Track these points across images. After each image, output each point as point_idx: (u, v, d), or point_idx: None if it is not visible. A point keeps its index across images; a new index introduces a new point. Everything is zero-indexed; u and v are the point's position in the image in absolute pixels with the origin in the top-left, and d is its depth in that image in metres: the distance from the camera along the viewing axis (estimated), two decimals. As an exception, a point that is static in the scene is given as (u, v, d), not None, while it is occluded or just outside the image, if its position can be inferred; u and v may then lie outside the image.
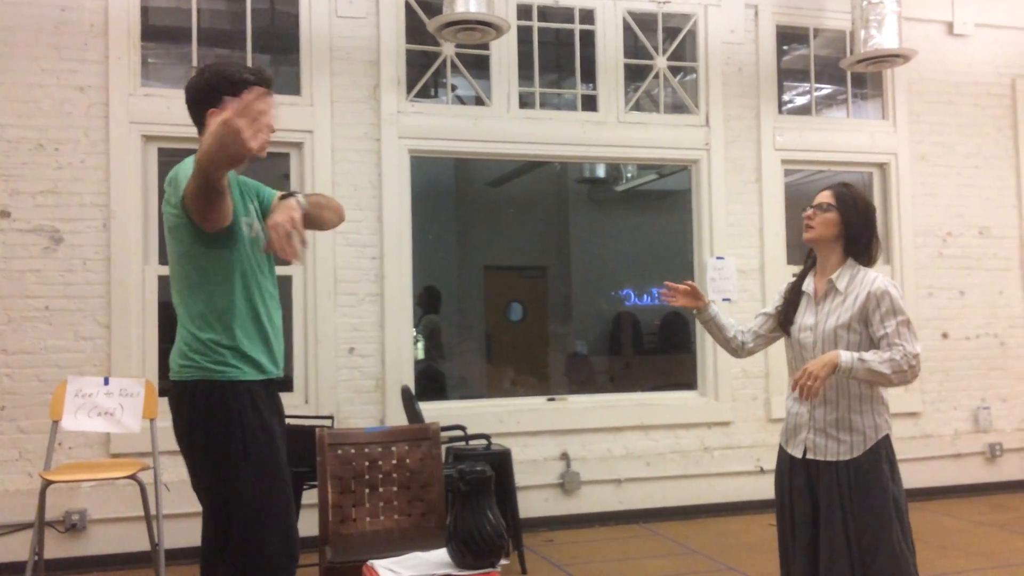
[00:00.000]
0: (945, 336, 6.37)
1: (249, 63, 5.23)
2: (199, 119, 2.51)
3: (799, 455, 2.87)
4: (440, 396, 6.30)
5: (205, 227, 2.35)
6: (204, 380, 2.42)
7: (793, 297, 2.98)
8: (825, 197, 2.88)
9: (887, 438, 2.82)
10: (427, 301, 6.89)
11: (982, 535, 5.30)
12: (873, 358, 2.67)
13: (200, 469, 2.48)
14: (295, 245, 2.38)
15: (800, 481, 2.86)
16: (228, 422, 2.40)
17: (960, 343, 6.41)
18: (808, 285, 2.94)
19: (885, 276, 2.84)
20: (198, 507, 5.15)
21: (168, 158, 5.13)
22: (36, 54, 4.86)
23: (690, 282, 3.14)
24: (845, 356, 2.66)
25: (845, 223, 2.83)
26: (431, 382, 6.70)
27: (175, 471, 4.86)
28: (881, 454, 2.79)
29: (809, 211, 2.89)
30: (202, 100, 2.49)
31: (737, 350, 3.14)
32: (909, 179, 6.34)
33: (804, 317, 2.90)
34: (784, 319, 2.97)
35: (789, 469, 2.91)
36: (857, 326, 2.77)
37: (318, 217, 2.70)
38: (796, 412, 2.90)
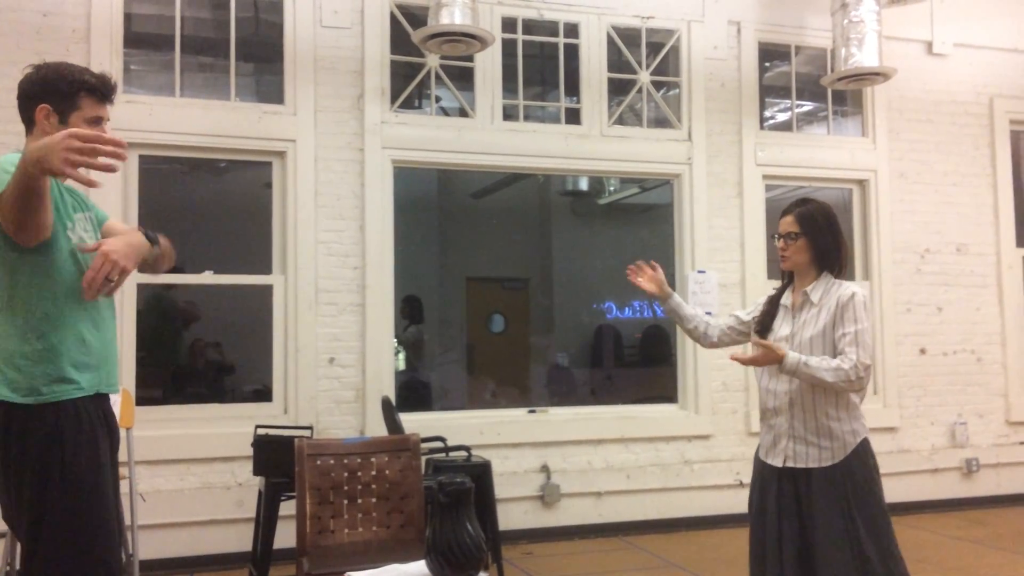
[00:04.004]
0: (923, 352, 6.42)
1: (232, 72, 5.23)
2: (28, 114, 2.38)
3: (779, 464, 2.93)
4: (422, 407, 6.28)
5: (19, 239, 2.19)
6: (21, 400, 2.26)
7: (771, 308, 3.07)
8: (790, 225, 2.98)
9: (867, 441, 2.90)
10: (410, 312, 6.88)
11: (958, 550, 5.33)
12: (819, 364, 2.76)
13: (15, 491, 2.29)
14: (102, 287, 2.23)
15: (786, 492, 2.91)
16: (47, 441, 2.24)
17: (937, 359, 6.47)
18: (787, 298, 3.04)
19: (857, 286, 2.93)
20: (175, 518, 5.11)
21: (150, 165, 5.11)
22: (17, 59, 4.82)
23: (655, 263, 3.26)
24: (791, 356, 2.76)
25: (814, 245, 2.95)
26: (414, 393, 6.68)
27: (151, 481, 4.83)
28: (859, 459, 2.86)
29: (780, 242, 3.00)
30: (35, 95, 2.37)
31: (699, 339, 3.27)
32: (888, 196, 6.40)
33: (781, 328, 2.99)
34: (760, 328, 3.06)
35: (767, 480, 2.97)
36: (830, 333, 2.86)
37: (156, 262, 2.56)
38: (774, 423, 2.97)
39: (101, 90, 2.42)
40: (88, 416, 2.32)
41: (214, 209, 6.04)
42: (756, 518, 3.00)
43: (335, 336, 5.25)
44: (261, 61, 5.57)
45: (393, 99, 5.49)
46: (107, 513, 2.32)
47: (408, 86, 5.59)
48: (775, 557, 2.90)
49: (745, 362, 2.86)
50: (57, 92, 2.36)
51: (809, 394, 2.87)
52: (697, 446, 5.89)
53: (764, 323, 3.05)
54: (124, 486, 4.08)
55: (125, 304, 4.92)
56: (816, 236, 2.94)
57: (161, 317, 5.77)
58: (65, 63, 2.50)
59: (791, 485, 2.90)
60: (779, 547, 2.90)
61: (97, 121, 2.41)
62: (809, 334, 2.88)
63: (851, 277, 6.28)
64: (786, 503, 2.90)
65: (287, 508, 3.95)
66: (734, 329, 3.20)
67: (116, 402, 2.59)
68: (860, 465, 2.85)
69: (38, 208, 2.12)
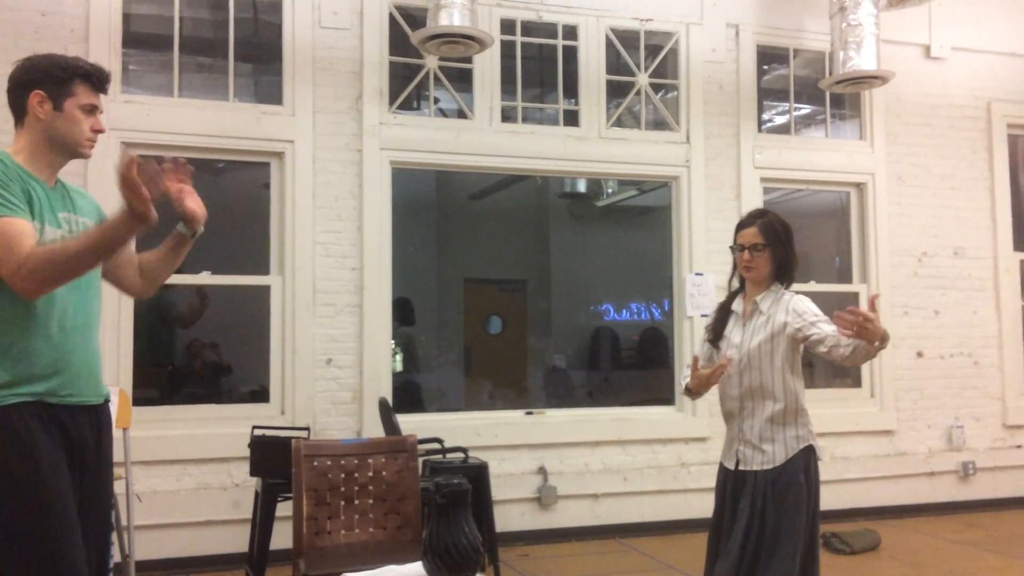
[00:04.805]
0: (920, 355, 6.43)
1: (231, 72, 5.23)
2: (20, 103, 2.36)
3: (732, 467, 3.03)
4: (415, 409, 6.28)
5: (36, 291, 2.16)
6: None
7: (722, 315, 3.12)
8: (754, 236, 3.01)
9: (810, 448, 2.95)
10: (400, 314, 6.88)
11: (955, 553, 5.34)
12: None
13: None
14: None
15: (735, 493, 2.99)
16: None
17: (934, 362, 6.47)
18: (738, 305, 3.09)
19: (798, 294, 3.00)
20: (171, 519, 5.11)
21: (147, 165, 5.09)
22: (15, 58, 4.75)
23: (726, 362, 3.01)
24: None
25: (775, 256, 3.00)
26: (406, 395, 6.68)
27: (147, 482, 4.82)
28: (800, 465, 2.91)
29: (745, 253, 3.01)
30: (28, 83, 2.35)
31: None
32: (886, 199, 6.41)
33: (732, 335, 3.05)
34: (713, 335, 3.11)
35: (724, 483, 3.06)
36: (775, 340, 2.93)
37: (164, 265, 2.62)
38: (731, 426, 3.08)
39: (96, 77, 2.39)
40: (26, 426, 2.20)
41: (212, 210, 5.98)
42: (714, 520, 3.07)
43: (332, 337, 5.25)
44: (259, 62, 5.56)
45: (392, 100, 5.49)
46: (41, 525, 2.18)
47: (407, 87, 5.59)
48: (713, 554, 3.00)
49: (871, 335, 2.60)
50: (51, 78, 2.33)
51: (760, 399, 2.94)
52: (694, 448, 5.89)
53: (716, 330, 3.10)
54: (120, 487, 4.10)
55: (123, 304, 4.92)
56: (778, 247, 2.99)
57: (158, 318, 5.77)
58: (57, 53, 2.47)
59: (741, 487, 2.97)
60: (717, 546, 2.99)
61: (92, 109, 2.38)
62: (757, 340, 2.95)
63: (848, 281, 6.34)
64: (735, 504, 2.97)
65: (284, 509, 3.95)
66: (708, 355, 3.16)
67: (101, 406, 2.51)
68: (793, 470, 2.89)
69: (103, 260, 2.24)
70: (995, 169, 6.69)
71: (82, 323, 2.41)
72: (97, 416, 2.41)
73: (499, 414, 5.92)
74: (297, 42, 5.27)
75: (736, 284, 3.13)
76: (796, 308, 2.91)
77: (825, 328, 2.83)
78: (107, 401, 2.48)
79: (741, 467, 2.99)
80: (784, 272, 3.01)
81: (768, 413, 2.93)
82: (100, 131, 2.42)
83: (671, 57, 6.11)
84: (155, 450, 4.84)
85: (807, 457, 2.93)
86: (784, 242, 3.00)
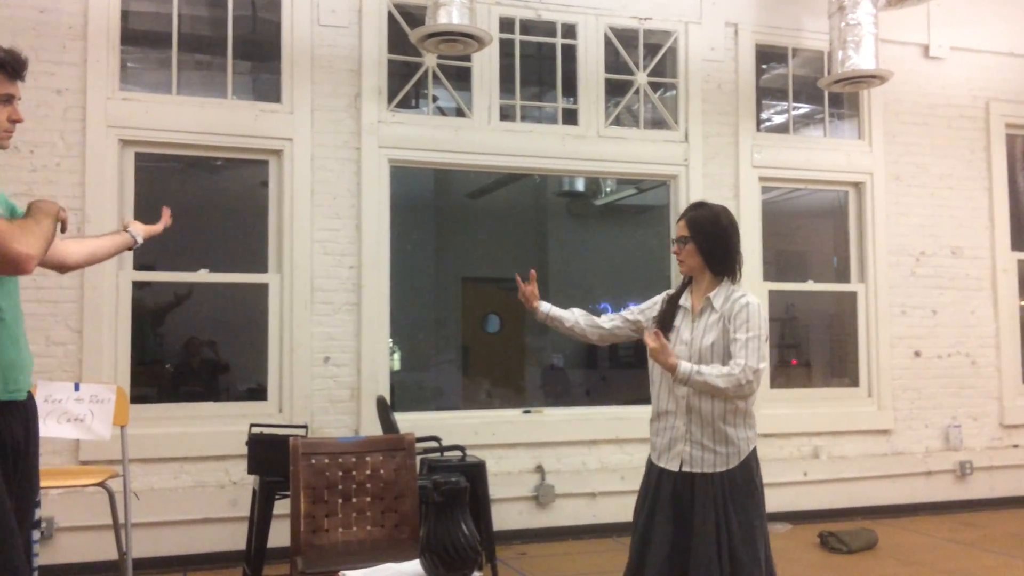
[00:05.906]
0: (917, 354, 6.44)
1: (229, 70, 5.22)
2: None
3: (675, 468, 2.94)
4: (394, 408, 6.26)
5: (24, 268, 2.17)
6: None
7: (670, 308, 3.08)
8: (681, 229, 3.04)
9: (755, 451, 2.96)
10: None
11: (952, 552, 5.34)
12: (711, 371, 2.80)
13: None
14: None
15: (667, 494, 2.94)
16: None
17: (932, 361, 6.48)
18: (686, 300, 3.06)
19: (754, 296, 2.98)
20: (167, 516, 5.10)
21: (145, 163, 5.10)
22: (13, 55, 4.80)
23: (533, 273, 3.27)
24: (683, 367, 2.79)
25: (700, 249, 2.99)
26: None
27: (145, 479, 4.82)
28: (753, 466, 2.92)
29: (675, 246, 3.06)
30: None
31: (579, 338, 3.30)
32: (884, 198, 6.42)
33: (681, 331, 3.00)
34: (660, 327, 3.05)
35: (662, 484, 2.97)
36: (727, 339, 2.90)
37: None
38: (672, 426, 2.98)
39: (12, 65, 2.26)
40: None
41: (210, 207, 6.03)
42: (645, 523, 2.99)
43: (330, 335, 5.25)
44: (258, 59, 5.56)
45: (390, 98, 5.48)
46: None
47: (405, 85, 5.58)
48: (656, 560, 2.90)
49: (651, 351, 2.85)
50: None
51: (708, 399, 2.89)
52: (692, 447, 5.89)
53: (664, 323, 3.04)
54: (118, 484, 4.09)
55: (121, 301, 4.92)
56: (702, 240, 2.98)
57: (156, 315, 5.76)
58: None
59: (681, 488, 2.92)
60: (656, 550, 2.92)
61: (7, 99, 2.28)
62: (710, 340, 2.91)
63: (846, 280, 6.34)
64: (669, 506, 2.92)
65: (281, 507, 3.95)
66: (622, 329, 3.20)
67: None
68: (747, 472, 2.89)
69: None
70: (993, 169, 6.70)
71: (18, 317, 2.36)
72: (25, 410, 2.36)
73: (497, 412, 5.92)
74: (296, 40, 5.26)
75: (686, 280, 3.12)
76: (738, 316, 2.88)
77: (727, 368, 2.81)
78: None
79: (686, 469, 2.91)
80: (716, 265, 2.98)
81: (719, 412, 2.89)
82: (18, 121, 2.32)
83: (670, 56, 6.11)
84: (153, 448, 4.84)
85: (756, 459, 2.94)
86: (711, 235, 2.98)
